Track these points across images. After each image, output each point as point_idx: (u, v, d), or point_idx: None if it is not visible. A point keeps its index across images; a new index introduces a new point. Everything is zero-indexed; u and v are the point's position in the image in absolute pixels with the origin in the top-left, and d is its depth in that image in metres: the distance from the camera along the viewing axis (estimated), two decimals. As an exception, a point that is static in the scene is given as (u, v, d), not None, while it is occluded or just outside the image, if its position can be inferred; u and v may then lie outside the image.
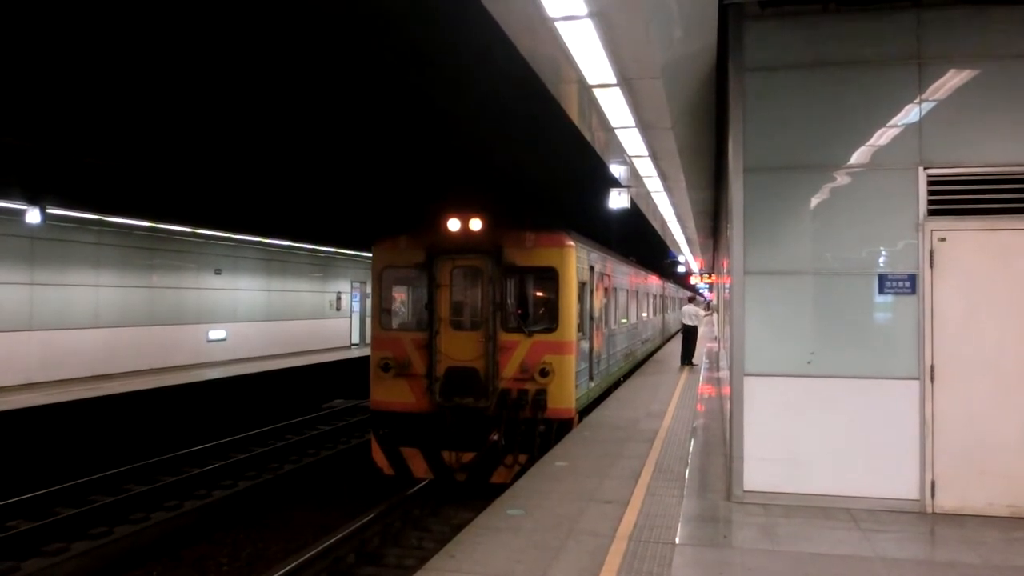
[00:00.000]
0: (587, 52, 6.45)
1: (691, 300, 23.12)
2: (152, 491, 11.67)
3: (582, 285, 12.00)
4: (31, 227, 14.87)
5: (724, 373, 9.88)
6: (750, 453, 7.06)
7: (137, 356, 18.19)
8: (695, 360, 21.62)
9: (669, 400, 14.21)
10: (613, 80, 7.24)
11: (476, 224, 11.15)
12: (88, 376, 16.64)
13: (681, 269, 40.39)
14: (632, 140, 10.00)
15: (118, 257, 17.86)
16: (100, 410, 14.30)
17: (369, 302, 15.66)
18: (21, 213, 14.52)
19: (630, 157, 11.19)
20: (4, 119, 12.69)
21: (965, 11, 6.75)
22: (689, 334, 21.62)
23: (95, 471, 12.62)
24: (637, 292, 21.11)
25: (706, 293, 43.58)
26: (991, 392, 6.64)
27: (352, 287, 29.98)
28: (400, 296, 12.61)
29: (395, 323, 12.16)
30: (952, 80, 6.81)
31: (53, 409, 13.37)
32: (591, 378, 13.06)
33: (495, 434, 10.79)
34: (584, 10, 5.55)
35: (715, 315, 25.15)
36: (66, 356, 16.23)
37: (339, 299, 28.93)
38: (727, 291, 8.47)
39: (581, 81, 7.33)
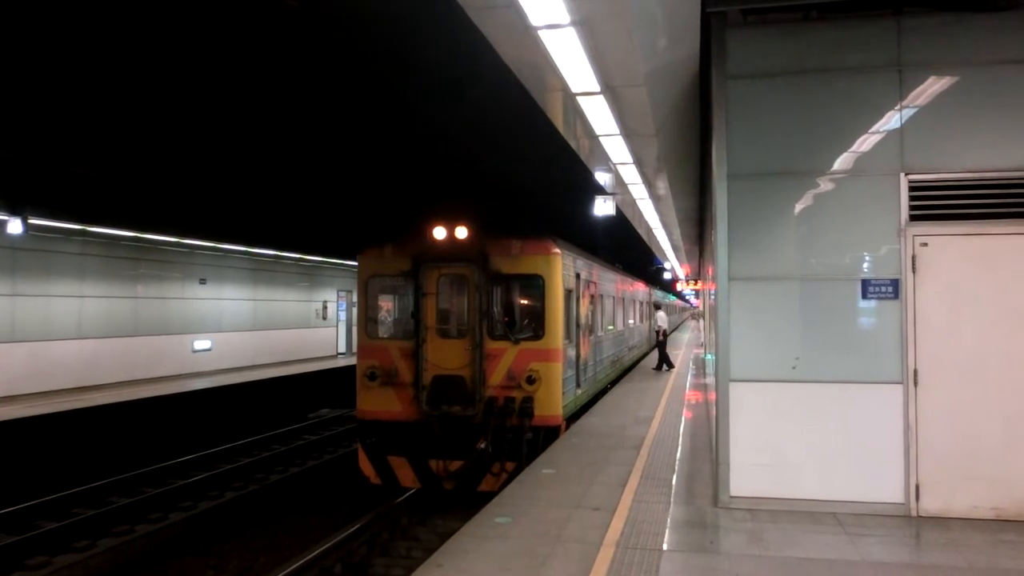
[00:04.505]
0: (571, 60, 6.49)
1: (658, 307, 23.82)
2: (137, 503, 11.56)
3: (568, 292, 12.01)
4: (13, 237, 14.73)
5: (710, 379, 9.91)
6: (736, 458, 7.08)
7: (122, 367, 18.01)
8: (670, 365, 21.96)
9: (656, 406, 14.23)
10: (597, 88, 7.28)
11: (462, 232, 11.16)
12: (72, 387, 16.47)
13: (667, 276, 40.56)
14: (616, 147, 10.05)
15: (102, 267, 17.70)
16: (84, 422, 14.15)
17: (355, 311, 15.60)
18: (2, 224, 14.39)
19: (615, 164, 11.24)
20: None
21: (945, 18, 6.84)
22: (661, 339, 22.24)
23: (78, 484, 12.48)
24: (624, 299, 21.17)
25: (692, 299, 43.81)
26: (974, 395, 6.69)
27: (338, 296, 29.88)
28: (386, 305, 12.56)
29: (381, 332, 12.11)
30: (933, 86, 6.89)
31: (36, 421, 13.22)
32: (578, 385, 13.06)
33: (482, 442, 10.77)
34: (567, 19, 5.58)
35: (700, 321, 25.45)
36: (49, 367, 16.05)
37: (325, 308, 28.82)
38: (712, 297, 8.49)
39: (565, 89, 7.37)
